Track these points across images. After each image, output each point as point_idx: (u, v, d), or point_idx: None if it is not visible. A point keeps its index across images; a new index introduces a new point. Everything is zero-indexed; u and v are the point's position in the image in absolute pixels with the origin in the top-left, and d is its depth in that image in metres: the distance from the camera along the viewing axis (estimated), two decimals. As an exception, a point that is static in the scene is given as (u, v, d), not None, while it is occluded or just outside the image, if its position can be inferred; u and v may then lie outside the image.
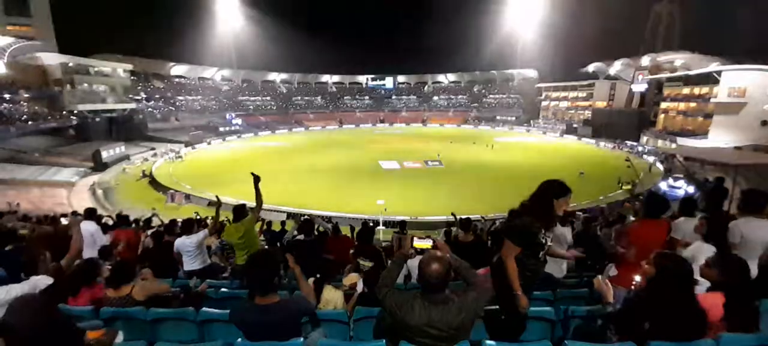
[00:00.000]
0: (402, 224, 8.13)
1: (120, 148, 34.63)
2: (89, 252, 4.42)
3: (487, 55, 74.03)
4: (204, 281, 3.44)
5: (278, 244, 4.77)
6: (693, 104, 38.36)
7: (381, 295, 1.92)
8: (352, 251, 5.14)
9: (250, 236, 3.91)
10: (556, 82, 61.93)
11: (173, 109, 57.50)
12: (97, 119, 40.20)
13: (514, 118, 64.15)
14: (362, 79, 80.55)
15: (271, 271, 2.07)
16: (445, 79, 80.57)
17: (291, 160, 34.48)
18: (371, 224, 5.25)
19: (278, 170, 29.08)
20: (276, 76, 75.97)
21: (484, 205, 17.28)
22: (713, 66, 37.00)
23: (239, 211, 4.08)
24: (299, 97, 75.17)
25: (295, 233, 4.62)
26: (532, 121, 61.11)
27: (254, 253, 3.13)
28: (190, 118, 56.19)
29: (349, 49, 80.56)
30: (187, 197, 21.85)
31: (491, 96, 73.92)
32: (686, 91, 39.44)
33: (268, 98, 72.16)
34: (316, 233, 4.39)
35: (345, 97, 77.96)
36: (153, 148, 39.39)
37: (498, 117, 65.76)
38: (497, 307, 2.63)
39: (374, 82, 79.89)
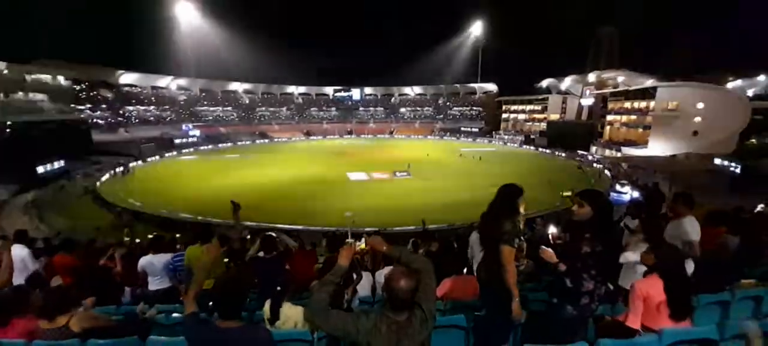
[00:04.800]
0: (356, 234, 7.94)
1: (59, 163, 31.56)
2: (20, 279, 3.96)
3: (452, 69, 76.96)
4: (153, 307, 3.16)
5: (238, 262, 4.53)
6: (633, 117, 42.21)
7: (319, 319, 1.67)
8: (318, 266, 5.01)
9: (219, 261, 3.76)
10: (514, 96, 65.55)
11: (122, 119, 53.51)
12: (34, 131, 36.38)
13: (477, 130, 66.78)
14: (329, 90, 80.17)
15: (241, 293, 1.96)
16: (411, 91, 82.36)
17: (255, 172, 33.27)
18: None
19: (240, 183, 27.93)
20: (238, 86, 73.31)
21: (455, 214, 17.66)
22: (649, 83, 41.10)
23: (205, 232, 3.96)
24: (263, 108, 73.19)
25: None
26: (493, 133, 63.98)
27: (226, 273, 2.95)
28: (141, 129, 52.56)
29: (316, 60, 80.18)
30: (137, 216, 20.22)
31: (455, 108, 76.55)
32: (627, 105, 43.40)
33: (229, 109, 69.51)
34: (278, 249, 4.22)
35: (311, 109, 77.08)
36: (98, 162, 36.28)
37: (462, 129, 68.14)
38: (483, 313, 2.72)
39: (341, 94, 79.75)
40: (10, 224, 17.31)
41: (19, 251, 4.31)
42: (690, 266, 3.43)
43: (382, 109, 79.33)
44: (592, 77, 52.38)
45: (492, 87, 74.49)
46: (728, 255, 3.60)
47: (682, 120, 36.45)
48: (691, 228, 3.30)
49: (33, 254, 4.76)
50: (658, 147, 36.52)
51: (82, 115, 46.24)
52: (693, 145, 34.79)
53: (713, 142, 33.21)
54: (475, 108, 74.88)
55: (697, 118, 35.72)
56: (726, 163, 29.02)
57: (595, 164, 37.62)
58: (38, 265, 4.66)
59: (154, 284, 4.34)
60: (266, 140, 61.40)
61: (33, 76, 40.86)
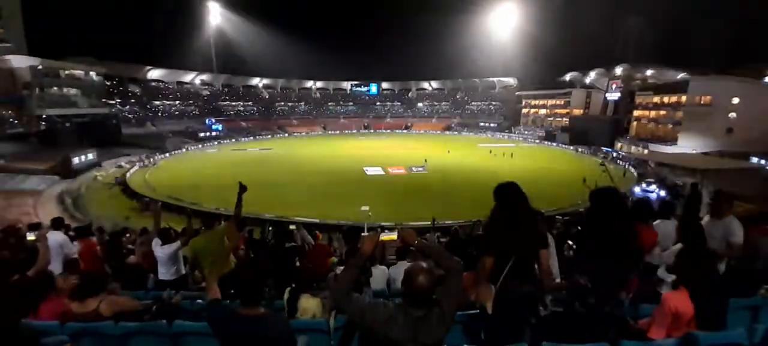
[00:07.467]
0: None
1: (91, 155, 33.15)
2: (57, 264, 4.18)
3: (470, 63, 75.57)
4: (178, 292, 3.30)
5: (256, 251, 4.66)
6: (663, 112, 40.27)
7: (341, 302, 1.70)
8: (333, 259, 5.09)
9: (217, 247, 3.67)
10: (535, 91, 63.79)
11: (149, 114, 55.66)
12: (67, 124, 38.41)
13: (495, 125, 65.54)
14: (346, 85, 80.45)
15: (258, 281, 2.01)
16: (429, 86, 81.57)
17: (273, 166, 33.92)
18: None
19: (260, 177, 28.49)
20: (258, 81, 74.75)
21: (469, 209, 17.46)
22: (680, 76, 39.10)
23: (209, 220, 4.02)
24: (282, 103, 74.30)
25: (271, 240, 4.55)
26: (512, 128, 62.58)
27: (246, 260, 3.03)
28: (167, 123, 54.52)
29: (334, 54, 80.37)
30: (163, 205, 21.01)
31: (473, 103, 75.30)
32: (656, 99, 41.42)
33: (250, 103, 70.91)
34: (295, 243, 4.31)
35: (329, 103, 77.63)
36: (127, 155, 37.93)
37: (480, 123, 67.03)
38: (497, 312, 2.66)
39: (358, 88, 79.91)
40: (45, 213, 18.39)
41: (55, 237, 4.58)
42: (721, 267, 3.25)
43: (399, 103, 79.04)
44: (618, 71, 50.27)
45: (511, 81, 72.79)
46: (760, 258, 3.41)
47: (716, 116, 34.53)
48: (738, 228, 3.12)
49: (69, 240, 5.04)
50: (688, 144, 34.76)
51: (112, 109, 48.43)
52: (727, 142, 32.94)
53: (749, 139, 31.32)
54: (493, 103, 73.44)
55: (732, 114, 33.77)
56: (763, 161, 27.38)
57: (619, 162, 36.24)
58: (75, 251, 4.93)
59: (161, 275, 4.40)
60: (285, 134, 62.36)
61: (67, 72, 42.98)
